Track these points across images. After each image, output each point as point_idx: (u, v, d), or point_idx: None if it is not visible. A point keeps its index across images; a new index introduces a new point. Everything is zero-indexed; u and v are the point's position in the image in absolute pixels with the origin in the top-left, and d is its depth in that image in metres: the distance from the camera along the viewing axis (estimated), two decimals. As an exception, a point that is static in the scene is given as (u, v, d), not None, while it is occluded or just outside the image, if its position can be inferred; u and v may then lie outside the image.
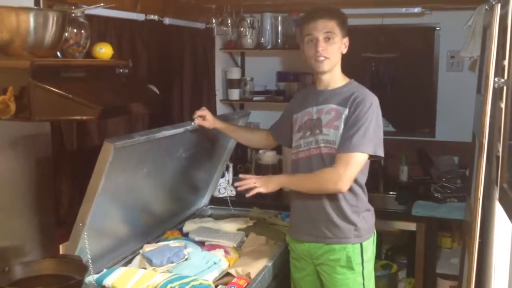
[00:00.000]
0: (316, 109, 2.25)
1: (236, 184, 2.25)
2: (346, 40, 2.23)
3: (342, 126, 2.16)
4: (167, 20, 3.02)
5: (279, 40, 3.70)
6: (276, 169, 3.53)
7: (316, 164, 2.21)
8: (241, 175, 2.26)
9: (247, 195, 2.18)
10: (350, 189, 2.18)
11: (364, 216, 2.25)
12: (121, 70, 2.01)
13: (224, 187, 3.35)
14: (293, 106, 2.41)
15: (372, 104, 2.15)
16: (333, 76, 2.24)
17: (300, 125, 2.31)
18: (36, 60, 1.63)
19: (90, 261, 2.07)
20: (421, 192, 3.38)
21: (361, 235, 2.23)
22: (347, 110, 2.16)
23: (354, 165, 2.10)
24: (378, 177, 3.46)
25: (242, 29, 3.58)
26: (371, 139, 2.12)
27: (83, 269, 1.92)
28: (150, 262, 2.24)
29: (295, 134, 2.33)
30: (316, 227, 2.25)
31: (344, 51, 2.24)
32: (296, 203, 2.34)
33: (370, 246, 2.27)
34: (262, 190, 2.17)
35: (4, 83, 1.61)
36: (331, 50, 2.17)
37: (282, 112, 2.56)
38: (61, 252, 2.21)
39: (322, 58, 2.17)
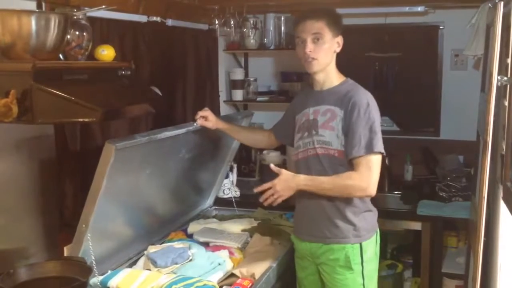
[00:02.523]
0: (313, 110, 2.26)
1: (261, 199, 2.19)
2: (339, 39, 2.22)
3: (338, 127, 2.16)
4: (169, 22, 3.02)
5: (282, 41, 3.69)
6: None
7: (313, 165, 2.22)
8: (258, 188, 2.20)
9: (274, 205, 2.18)
10: None
11: (364, 216, 2.25)
12: (123, 72, 2.01)
13: (228, 187, 3.35)
14: (295, 107, 2.42)
15: (369, 103, 2.15)
16: (328, 76, 2.24)
17: (299, 126, 2.32)
18: (38, 62, 1.63)
19: (94, 263, 2.08)
20: (426, 191, 3.37)
21: (361, 235, 2.22)
22: (342, 111, 2.16)
23: (377, 167, 2.13)
24: (383, 176, 3.44)
25: (245, 29, 3.58)
26: (379, 138, 2.14)
27: (88, 271, 1.92)
28: (154, 263, 2.24)
29: (296, 135, 2.34)
30: (316, 227, 2.26)
31: (338, 50, 2.23)
32: (298, 204, 2.35)
33: (370, 246, 2.26)
34: (285, 197, 2.16)
35: (7, 86, 1.61)
36: (319, 51, 2.16)
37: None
38: (65, 254, 2.20)
39: (310, 59, 2.17)
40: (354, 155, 2.11)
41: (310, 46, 2.16)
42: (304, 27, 2.17)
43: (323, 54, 2.17)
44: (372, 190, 2.12)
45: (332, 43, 2.19)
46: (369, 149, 2.10)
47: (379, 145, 2.12)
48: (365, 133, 2.11)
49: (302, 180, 2.17)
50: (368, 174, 2.10)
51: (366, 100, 2.15)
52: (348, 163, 2.16)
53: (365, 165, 2.10)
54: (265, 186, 2.17)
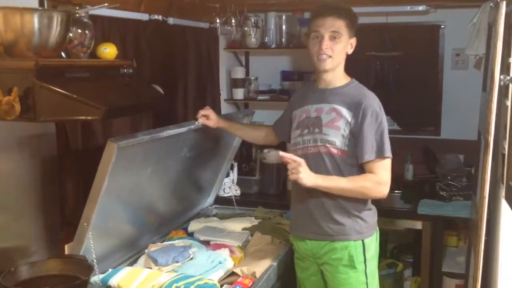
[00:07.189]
0: (315, 107, 2.25)
1: (283, 154, 2.10)
2: (353, 41, 2.22)
3: (343, 127, 2.16)
4: (171, 20, 3.02)
5: (283, 39, 3.68)
6: (280, 168, 3.53)
7: (313, 162, 2.19)
8: (285, 154, 2.11)
9: (290, 177, 2.11)
10: None
11: (365, 214, 2.25)
12: (125, 70, 2.01)
13: (229, 186, 3.35)
14: (293, 103, 2.41)
15: (380, 107, 2.19)
16: (335, 76, 2.24)
17: (298, 122, 2.31)
18: (41, 60, 1.63)
19: (95, 261, 2.08)
20: (427, 190, 3.37)
21: (362, 231, 2.23)
22: (351, 114, 2.16)
23: (389, 169, 2.18)
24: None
25: (246, 28, 3.57)
26: (389, 143, 2.18)
27: (89, 269, 1.93)
28: (155, 261, 2.25)
29: (294, 131, 2.33)
30: (316, 224, 2.25)
31: (350, 51, 2.23)
32: (296, 201, 2.34)
33: (372, 244, 2.26)
34: (302, 182, 2.08)
35: (9, 84, 1.61)
36: (335, 49, 2.16)
37: (286, 110, 2.55)
38: (66, 252, 2.21)
39: (324, 56, 2.16)
40: (367, 159, 2.14)
41: (326, 43, 2.15)
42: (324, 22, 2.15)
43: (338, 53, 2.17)
44: (386, 191, 2.17)
45: (347, 44, 2.20)
46: (381, 154, 2.15)
47: (389, 150, 2.17)
48: (377, 138, 2.15)
49: (321, 178, 2.14)
50: (385, 176, 2.16)
51: (378, 105, 2.18)
52: (352, 164, 2.18)
53: (381, 167, 2.15)
54: (293, 158, 2.09)
